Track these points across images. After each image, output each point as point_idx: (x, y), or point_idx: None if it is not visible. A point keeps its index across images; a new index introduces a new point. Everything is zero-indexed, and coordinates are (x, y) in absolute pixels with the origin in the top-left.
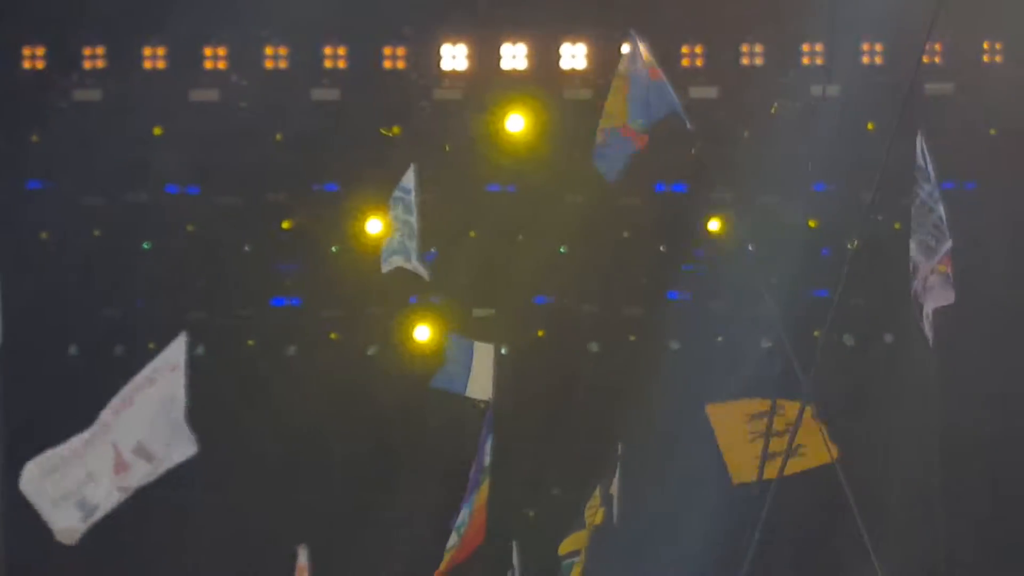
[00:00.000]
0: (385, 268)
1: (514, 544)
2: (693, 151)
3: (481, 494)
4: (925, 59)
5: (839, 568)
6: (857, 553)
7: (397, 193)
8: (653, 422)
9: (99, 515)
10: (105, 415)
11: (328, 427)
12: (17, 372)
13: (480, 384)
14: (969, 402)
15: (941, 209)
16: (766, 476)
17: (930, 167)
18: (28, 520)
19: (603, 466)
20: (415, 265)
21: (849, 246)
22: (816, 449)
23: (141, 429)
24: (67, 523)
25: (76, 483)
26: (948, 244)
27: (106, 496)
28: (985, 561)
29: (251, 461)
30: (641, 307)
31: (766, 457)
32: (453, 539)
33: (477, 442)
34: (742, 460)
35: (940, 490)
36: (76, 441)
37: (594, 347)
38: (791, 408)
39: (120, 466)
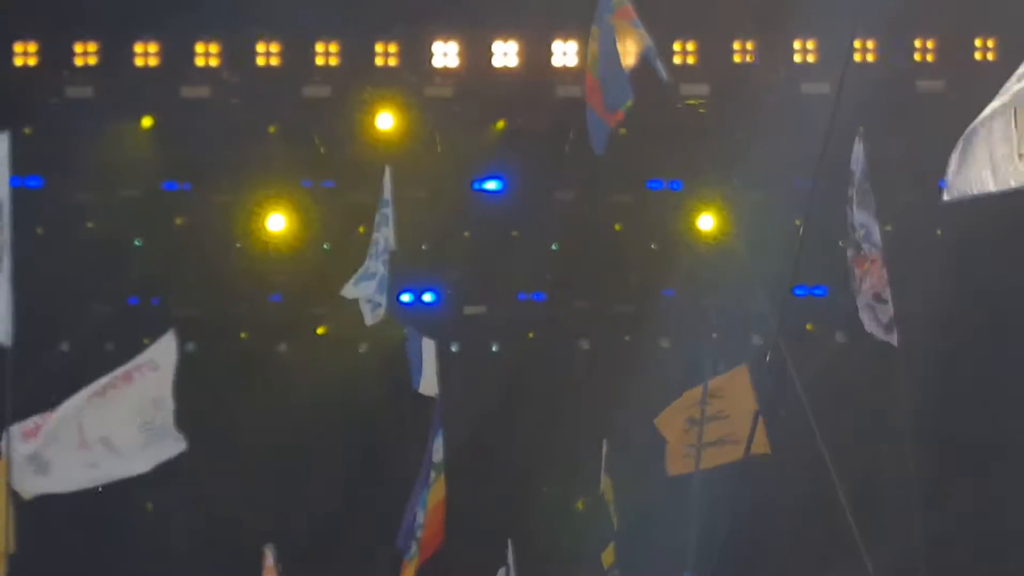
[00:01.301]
0: (347, 292)
1: (509, 542)
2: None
3: (436, 493)
4: (917, 57)
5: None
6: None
7: (380, 211)
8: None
9: (56, 479)
10: (78, 398)
11: (316, 424)
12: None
13: (429, 381)
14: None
15: (854, 213)
16: (703, 466)
17: (859, 170)
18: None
19: (590, 465)
20: (371, 296)
21: (841, 243)
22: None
23: (109, 425)
24: (20, 475)
25: (39, 442)
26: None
27: (64, 462)
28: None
29: (236, 457)
30: (633, 304)
31: (701, 445)
32: (413, 548)
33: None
34: (677, 451)
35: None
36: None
37: (585, 344)
38: (721, 384)
39: (83, 445)
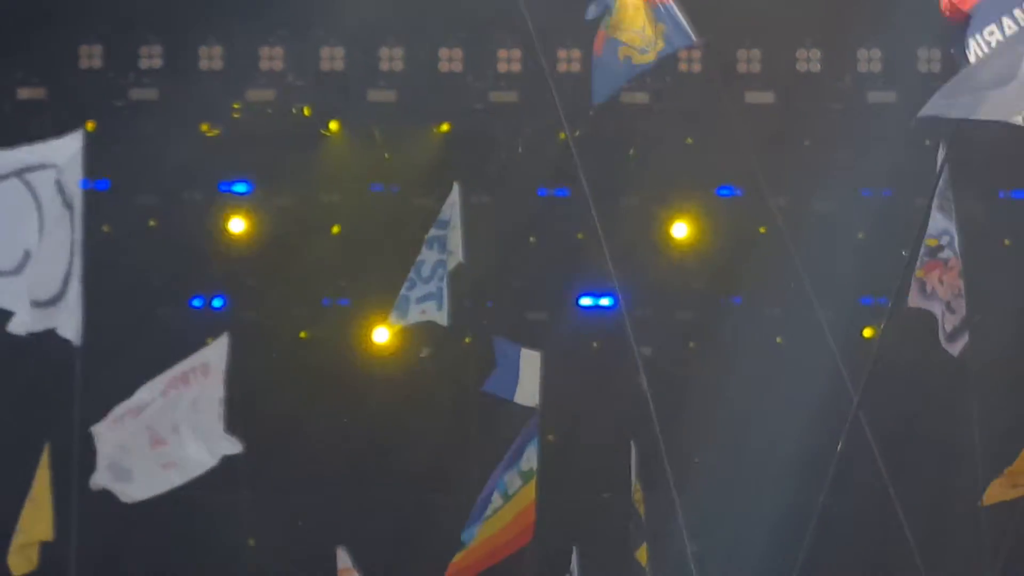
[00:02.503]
0: (411, 319)
1: (574, 548)
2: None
3: (525, 496)
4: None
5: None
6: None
7: (433, 232)
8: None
9: (140, 486)
10: (141, 395)
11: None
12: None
13: (527, 391)
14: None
15: (936, 221)
16: None
17: (942, 177)
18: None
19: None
20: (438, 315)
21: (904, 253)
22: None
23: (177, 422)
24: (100, 479)
25: (111, 448)
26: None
27: (142, 464)
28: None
29: (301, 461)
30: (695, 311)
31: None
32: (458, 555)
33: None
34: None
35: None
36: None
37: (647, 351)
38: None
39: (157, 442)
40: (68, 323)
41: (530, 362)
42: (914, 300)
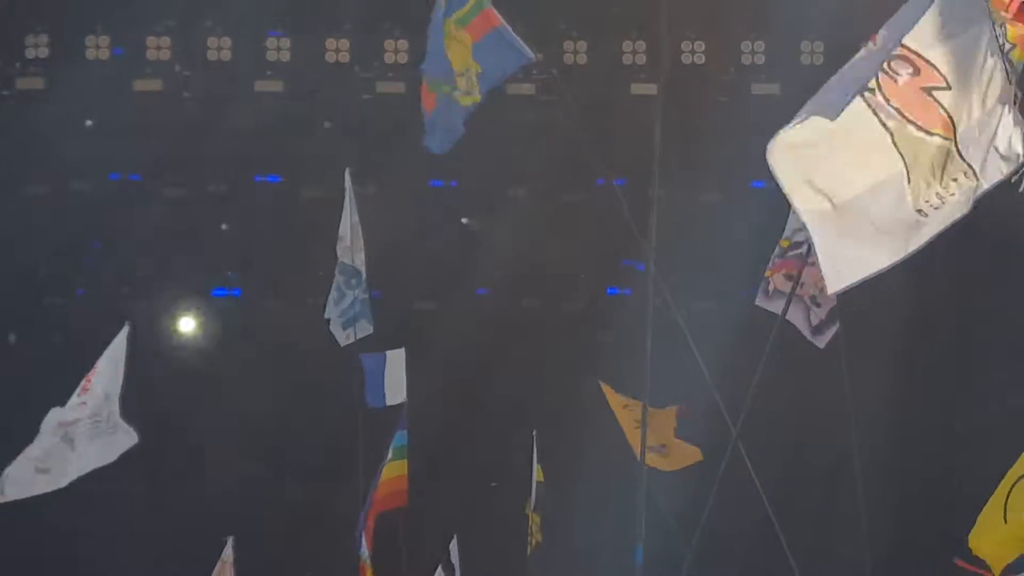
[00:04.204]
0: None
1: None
2: None
3: (397, 469)
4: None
5: None
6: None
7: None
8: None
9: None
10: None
11: (275, 419)
12: None
13: (395, 391)
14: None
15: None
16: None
17: None
18: None
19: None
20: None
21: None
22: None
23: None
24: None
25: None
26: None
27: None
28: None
29: (193, 452)
30: (580, 302)
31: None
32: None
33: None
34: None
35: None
36: None
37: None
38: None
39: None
40: None
41: (395, 362)
42: (760, 300)
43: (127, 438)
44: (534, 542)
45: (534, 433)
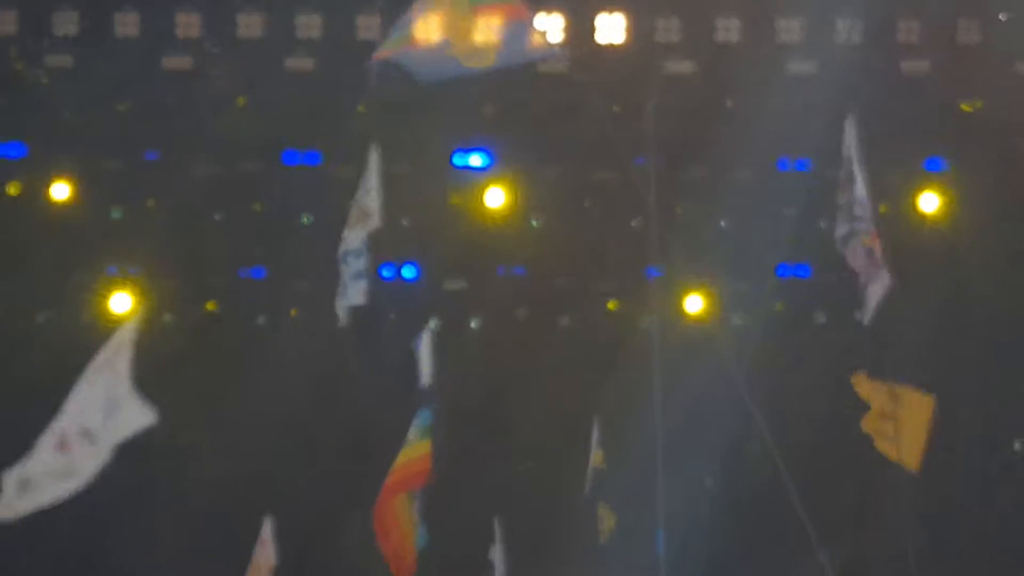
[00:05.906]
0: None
1: (495, 519)
2: None
3: (420, 448)
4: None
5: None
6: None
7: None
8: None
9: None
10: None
11: (295, 401)
12: None
13: (425, 372)
14: None
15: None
16: None
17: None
18: None
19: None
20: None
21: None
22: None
23: (86, 413)
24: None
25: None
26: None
27: (43, 470)
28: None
29: (220, 433)
30: (616, 281)
31: None
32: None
33: None
34: None
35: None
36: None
37: (565, 321)
38: None
39: (63, 445)
40: None
41: (426, 344)
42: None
43: (140, 418)
44: (607, 529)
45: (595, 418)
